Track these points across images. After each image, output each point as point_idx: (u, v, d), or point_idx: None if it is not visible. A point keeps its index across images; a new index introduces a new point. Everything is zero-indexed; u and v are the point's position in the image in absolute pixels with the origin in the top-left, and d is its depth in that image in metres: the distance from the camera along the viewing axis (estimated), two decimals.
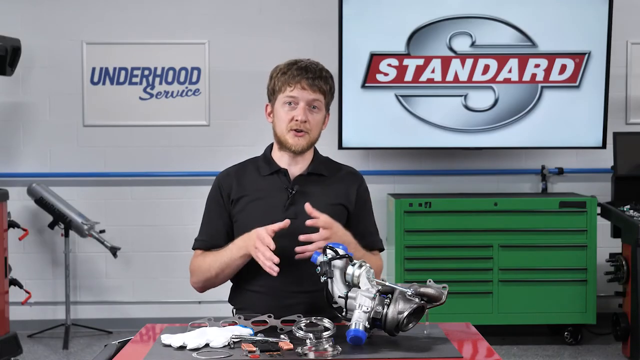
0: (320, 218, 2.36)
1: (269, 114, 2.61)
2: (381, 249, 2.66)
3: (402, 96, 5.20)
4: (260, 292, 2.50)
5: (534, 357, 4.80)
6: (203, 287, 2.58)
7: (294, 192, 2.53)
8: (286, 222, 2.36)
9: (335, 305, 2.18)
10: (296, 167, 2.58)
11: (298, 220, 2.48)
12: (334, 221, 2.38)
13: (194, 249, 2.62)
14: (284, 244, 2.46)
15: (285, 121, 2.52)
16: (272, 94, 2.58)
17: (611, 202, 5.02)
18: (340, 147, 5.16)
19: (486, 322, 4.82)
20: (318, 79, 2.52)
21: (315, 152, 2.65)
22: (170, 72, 5.46)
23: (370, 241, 2.60)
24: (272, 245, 2.31)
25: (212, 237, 2.58)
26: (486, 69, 5.18)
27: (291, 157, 2.58)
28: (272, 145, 2.64)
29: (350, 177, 2.64)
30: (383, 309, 2.07)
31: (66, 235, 5.18)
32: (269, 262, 2.30)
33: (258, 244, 2.33)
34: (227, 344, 2.05)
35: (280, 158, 2.59)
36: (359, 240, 2.58)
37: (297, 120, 2.50)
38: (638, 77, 5.53)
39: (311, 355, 1.98)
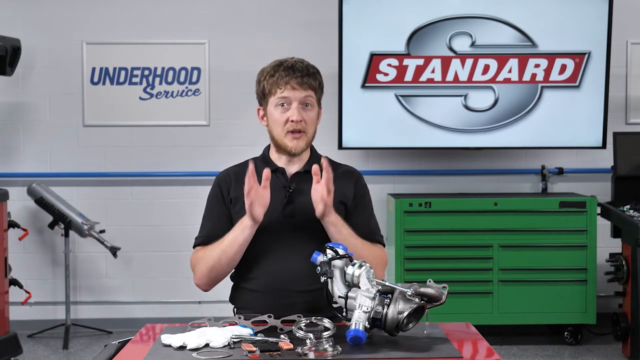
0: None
1: (262, 117, 2.61)
2: (383, 244, 2.64)
3: (402, 96, 5.20)
4: (260, 291, 2.50)
5: (534, 357, 4.80)
6: (208, 280, 2.53)
7: (291, 190, 2.54)
8: (266, 172, 2.39)
9: (335, 305, 2.18)
10: (293, 166, 2.60)
11: (295, 219, 2.49)
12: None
13: (194, 246, 2.62)
14: (283, 242, 2.47)
15: (281, 123, 2.52)
16: (263, 98, 2.58)
17: (611, 202, 5.02)
18: (340, 147, 5.16)
19: (486, 322, 4.82)
20: (307, 77, 2.52)
21: (313, 150, 2.66)
22: (170, 72, 5.46)
23: (369, 235, 2.59)
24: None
25: (212, 235, 2.58)
26: (486, 69, 5.18)
27: (288, 158, 2.59)
28: (270, 145, 2.65)
29: (348, 174, 2.65)
30: (383, 309, 2.07)
31: (66, 235, 5.18)
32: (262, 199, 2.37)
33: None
34: (227, 344, 2.05)
35: (278, 159, 2.60)
36: (358, 234, 2.58)
37: (292, 121, 2.51)
38: (638, 77, 5.53)
39: (311, 355, 1.98)
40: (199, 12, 5.46)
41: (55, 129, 5.46)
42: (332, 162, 2.70)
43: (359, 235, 2.53)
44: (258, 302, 2.48)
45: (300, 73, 2.52)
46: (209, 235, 2.58)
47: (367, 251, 2.43)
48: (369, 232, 2.60)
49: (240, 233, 2.44)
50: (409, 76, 5.17)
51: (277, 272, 2.49)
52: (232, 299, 2.62)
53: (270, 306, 2.37)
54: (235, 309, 2.61)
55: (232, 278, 2.61)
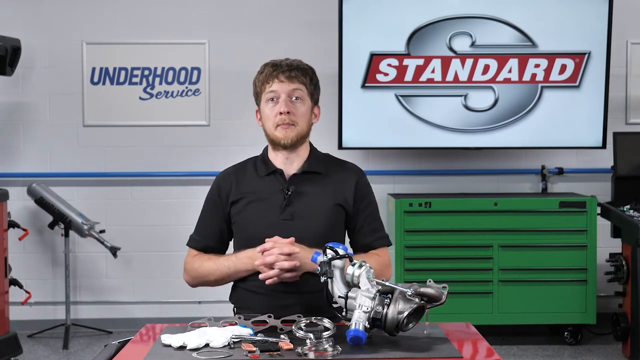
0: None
1: (259, 119, 2.62)
2: (387, 245, 2.63)
3: (402, 96, 5.20)
4: (259, 292, 2.50)
5: (534, 357, 4.80)
6: (196, 285, 2.63)
7: (289, 193, 2.53)
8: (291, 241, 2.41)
9: (335, 305, 2.18)
10: (291, 167, 2.59)
11: (294, 221, 2.49)
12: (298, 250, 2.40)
13: (188, 245, 2.65)
14: None
15: (271, 118, 2.53)
16: (257, 98, 2.60)
17: (611, 202, 5.01)
18: (340, 147, 5.15)
19: (486, 322, 4.82)
20: (295, 70, 2.54)
21: (312, 149, 2.65)
22: (170, 72, 5.46)
23: (372, 240, 2.60)
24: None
25: (205, 238, 2.62)
26: (486, 69, 5.18)
27: (285, 156, 2.58)
28: (268, 145, 2.65)
29: (349, 173, 2.63)
30: (383, 309, 2.07)
31: (66, 235, 5.18)
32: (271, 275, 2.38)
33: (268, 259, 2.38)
34: (227, 344, 2.05)
35: (275, 158, 2.60)
36: (361, 238, 2.58)
37: (280, 113, 2.51)
38: (638, 77, 5.53)
39: (311, 355, 1.98)
40: (199, 12, 5.46)
41: (55, 129, 5.45)
42: (333, 159, 2.70)
43: (361, 241, 2.56)
44: (258, 303, 2.48)
45: (288, 67, 2.53)
46: (202, 241, 2.61)
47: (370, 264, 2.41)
48: (372, 237, 2.60)
49: (244, 272, 2.50)
50: (409, 76, 5.17)
51: None
52: (232, 299, 2.63)
53: (270, 307, 2.37)
54: (235, 309, 2.61)
55: None
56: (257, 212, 2.52)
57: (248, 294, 2.54)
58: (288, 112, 2.51)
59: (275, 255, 2.35)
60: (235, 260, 2.50)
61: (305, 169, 2.58)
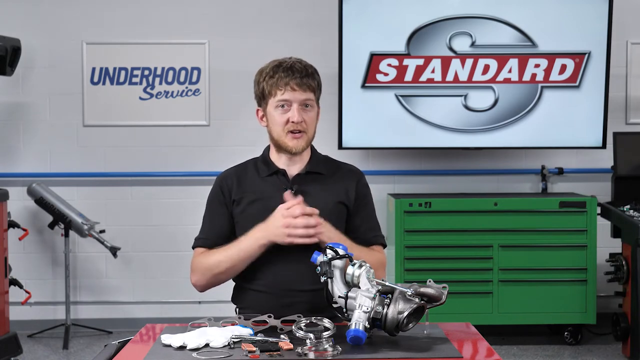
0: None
1: (261, 118, 2.61)
2: (383, 245, 2.64)
3: (402, 96, 5.20)
4: (262, 291, 2.50)
5: (534, 357, 4.80)
6: (206, 284, 2.55)
7: (293, 192, 2.54)
8: (299, 200, 2.42)
9: (335, 305, 2.18)
10: (294, 167, 2.59)
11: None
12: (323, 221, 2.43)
13: (194, 247, 2.61)
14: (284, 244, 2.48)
15: (281, 124, 2.52)
16: (262, 99, 2.57)
17: (611, 202, 5.02)
18: (340, 147, 5.16)
19: (486, 322, 4.82)
20: (306, 78, 2.52)
21: (313, 151, 2.66)
22: (170, 72, 5.46)
23: (370, 237, 2.60)
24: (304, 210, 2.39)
25: (214, 235, 2.58)
26: (486, 69, 5.18)
27: (289, 158, 2.58)
28: (269, 146, 2.65)
29: (349, 174, 2.65)
30: (383, 309, 2.07)
31: (66, 235, 5.18)
32: (308, 231, 2.38)
33: (287, 221, 2.39)
34: (227, 344, 2.06)
35: (278, 159, 2.60)
36: (358, 236, 2.58)
37: (293, 122, 2.50)
38: (638, 77, 5.53)
39: (311, 355, 1.98)
40: (199, 12, 5.46)
41: (55, 129, 5.46)
42: (333, 161, 2.70)
43: (359, 239, 2.55)
44: (260, 302, 2.48)
45: (300, 74, 2.51)
46: (209, 237, 2.59)
47: (366, 259, 2.41)
48: (369, 234, 2.61)
49: (258, 248, 2.45)
50: (409, 76, 5.17)
51: (280, 272, 2.49)
52: (235, 299, 2.62)
53: (272, 306, 2.38)
54: (237, 309, 2.61)
55: (234, 278, 2.61)
56: (260, 212, 2.51)
57: (251, 293, 2.53)
58: (301, 121, 2.51)
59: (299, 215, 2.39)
60: (246, 239, 2.46)
61: (308, 170, 2.59)
